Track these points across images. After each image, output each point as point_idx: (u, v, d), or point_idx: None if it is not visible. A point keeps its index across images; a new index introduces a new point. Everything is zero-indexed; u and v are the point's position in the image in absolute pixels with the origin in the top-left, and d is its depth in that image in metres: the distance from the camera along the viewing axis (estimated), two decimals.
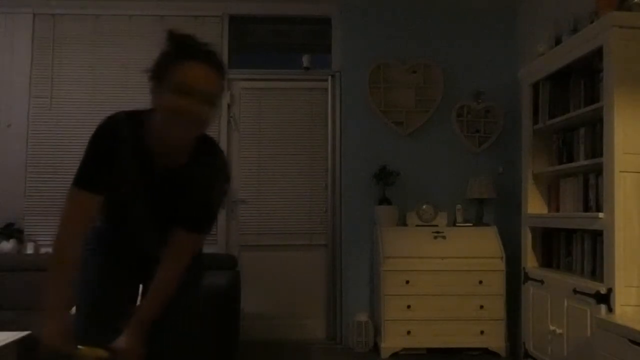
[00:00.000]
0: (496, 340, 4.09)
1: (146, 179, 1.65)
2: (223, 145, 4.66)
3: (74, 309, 1.78)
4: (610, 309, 2.67)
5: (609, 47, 2.75)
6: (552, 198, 3.59)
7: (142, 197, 1.69)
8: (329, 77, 4.71)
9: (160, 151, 1.63)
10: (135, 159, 1.62)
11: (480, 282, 4.07)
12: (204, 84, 1.53)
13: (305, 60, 4.69)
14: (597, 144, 3.00)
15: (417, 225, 4.38)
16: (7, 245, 4.31)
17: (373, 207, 4.47)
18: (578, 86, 3.21)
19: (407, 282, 4.06)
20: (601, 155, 2.84)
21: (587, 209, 3.14)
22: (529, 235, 3.68)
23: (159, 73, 1.54)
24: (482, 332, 4.07)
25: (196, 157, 1.68)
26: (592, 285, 2.82)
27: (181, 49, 1.54)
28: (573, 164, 3.26)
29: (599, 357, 2.54)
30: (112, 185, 1.62)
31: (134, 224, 1.77)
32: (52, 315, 1.54)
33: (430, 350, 4.10)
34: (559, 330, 3.11)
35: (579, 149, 3.23)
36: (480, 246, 4.18)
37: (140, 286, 1.88)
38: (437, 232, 4.26)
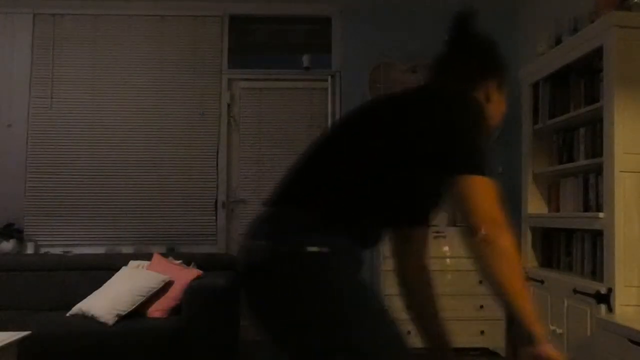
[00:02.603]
0: (496, 340, 4.09)
1: None
2: (223, 145, 4.67)
3: None
4: (610, 309, 2.67)
5: (609, 47, 2.75)
6: (552, 198, 3.59)
7: None
8: (329, 77, 4.71)
9: None
10: None
11: (480, 282, 4.07)
12: None
13: (305, 60, 4.69)
14: (597, 144, 3.00)
15: None
16: (7, 245, 4.31)
17: None
18: (578, 86, 3.21)
19: None
20: (601, 155, 2.84)
21: (587, 209, 3.14)
22: (529, 235, 3.68)
23: (502, 76, 1.52)
24: (482, 332, 4.07)
25: None
26: (592, 285, 2.81)
27: (501, 57, 1.54)
28: (573, 164, 3.26)
29: (599, 357, 2.54)
30: None
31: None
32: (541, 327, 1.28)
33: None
34: (559, 330, 3.11)
35: (579, 149, 3.23)
36: None
37: None
38: (437, 232, 4.26)
